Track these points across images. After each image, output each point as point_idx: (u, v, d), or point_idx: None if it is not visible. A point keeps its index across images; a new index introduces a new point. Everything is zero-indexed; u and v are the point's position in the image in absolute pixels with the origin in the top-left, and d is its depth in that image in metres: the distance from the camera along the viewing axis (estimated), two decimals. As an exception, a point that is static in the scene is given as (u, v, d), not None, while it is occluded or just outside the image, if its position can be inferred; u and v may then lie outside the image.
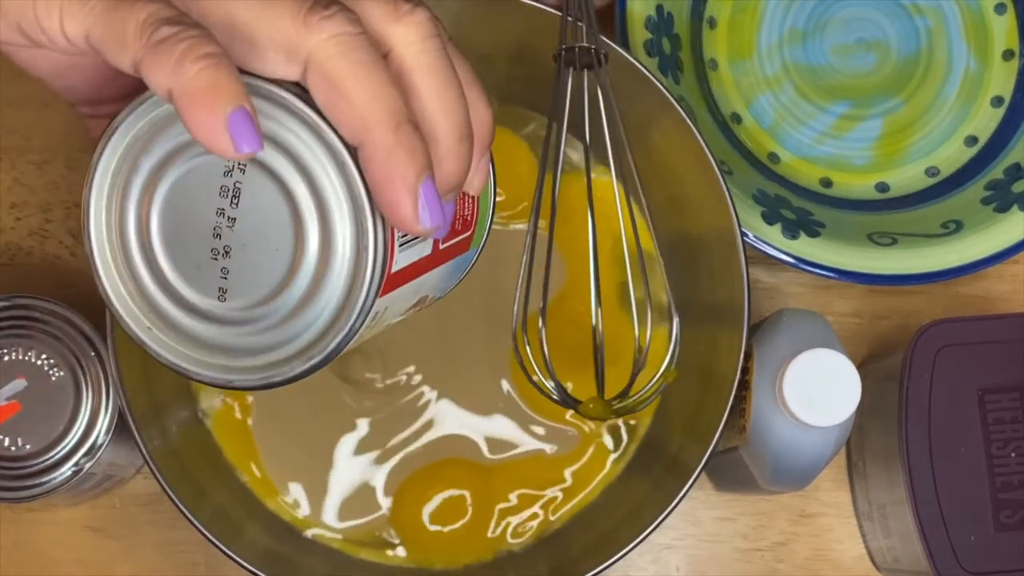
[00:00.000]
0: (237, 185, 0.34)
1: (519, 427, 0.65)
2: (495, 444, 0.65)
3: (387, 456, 0.64)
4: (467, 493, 0.64)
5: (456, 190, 0.35)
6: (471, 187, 0.37)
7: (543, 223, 0.56)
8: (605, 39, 0.59)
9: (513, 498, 0.64)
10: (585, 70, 0.56)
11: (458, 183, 0.35)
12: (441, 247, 0.38)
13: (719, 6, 0.74)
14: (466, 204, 0.39)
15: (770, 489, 0.63)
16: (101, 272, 0.35)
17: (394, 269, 0.35)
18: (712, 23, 0.73)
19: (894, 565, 0.66)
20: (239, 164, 0.34)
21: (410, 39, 0.34)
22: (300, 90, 0.33)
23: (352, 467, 0.64)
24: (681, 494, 0.57)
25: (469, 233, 0.40)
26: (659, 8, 0.70)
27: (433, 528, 0.64)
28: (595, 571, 0.58)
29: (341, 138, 0.33)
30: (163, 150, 0.34)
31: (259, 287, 0.34)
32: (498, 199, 0.65)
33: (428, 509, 0.64)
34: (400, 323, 0.40)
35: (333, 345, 0.34)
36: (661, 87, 0.60)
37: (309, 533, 0.64)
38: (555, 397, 0.55)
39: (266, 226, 0.33)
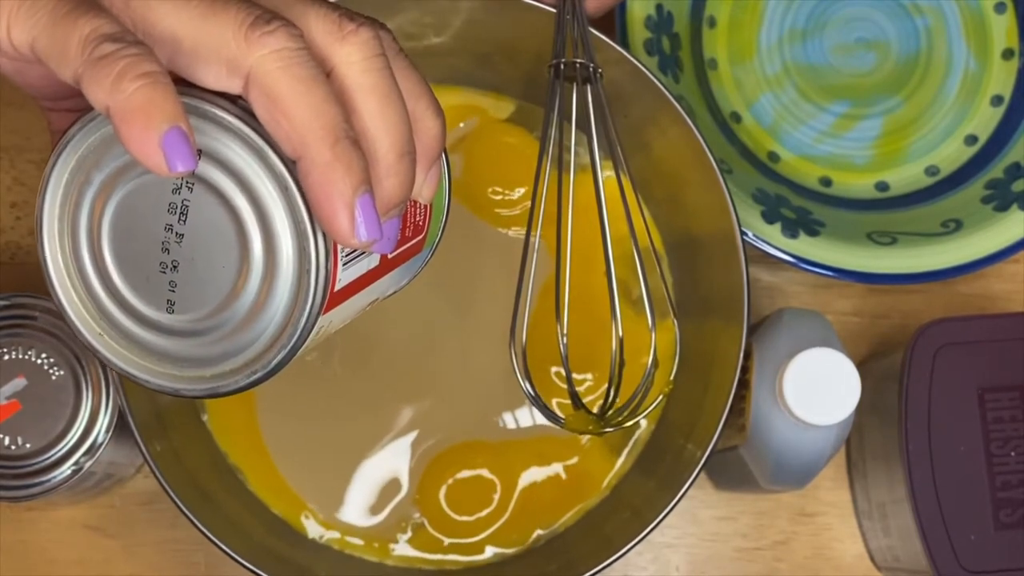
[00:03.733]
0: (185, 202, 0.34)
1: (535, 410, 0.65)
2: (513, 423, 0.65)
3: (403, 444, 0.64)
4: (486, 471, 0.64)
5: (400, 206, 0.36)
6: (420, 196, 0.38)
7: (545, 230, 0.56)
8: (605, 38, 0.59)
9: (531, 473, 0.65)
10: (578, 84, 0.56)
11: (401, 199, 0.35)
12: (390, 256, 0.39)
13: (719, 5, 0.74)
14: (418, 210, 0.40)
15: (770, 488, 0.63)
16: (54, 279, 0.36)
17: (338, 287, 0.36)
18: (712, 22, 0.73)
19: (894, 564, 0.66)
20: (187, 182, 0.34)
21: (353, 58, 0.34)
22: (244, 105, 0.34)
23: (365, 460, 0.64)
24: (681, 493, 0.57)
25: (421, 236, 0.41)
26: (659, 7, 0.70)
27: (458, 511, 0.64)
28: (595, 570, 0.58)
29: (282, 156, 0.34)
30: (114, 165, 0.35)
31: (206, 301, 0.35)
32: (496, 197, 0.66)
33: (450, 488, 0.64)
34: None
35: (275, 361, 0.35)
36: (661, 86, 0.60)
37: (310, 532, 0.64)
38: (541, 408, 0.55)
39: (212, 243, 0.34)
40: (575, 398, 0.56)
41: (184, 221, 0.34)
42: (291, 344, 0.35)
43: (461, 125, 0.67)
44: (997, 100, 0.73)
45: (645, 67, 0.59)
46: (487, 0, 0.60)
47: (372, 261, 0.38)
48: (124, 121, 0.32)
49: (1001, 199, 0.68)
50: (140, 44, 0.32)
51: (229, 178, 0.34)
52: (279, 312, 0.35)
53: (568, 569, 0.60)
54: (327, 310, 0.35)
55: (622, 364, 0.55)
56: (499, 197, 0.66)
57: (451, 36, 0.64)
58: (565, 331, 0.54)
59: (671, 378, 0.57)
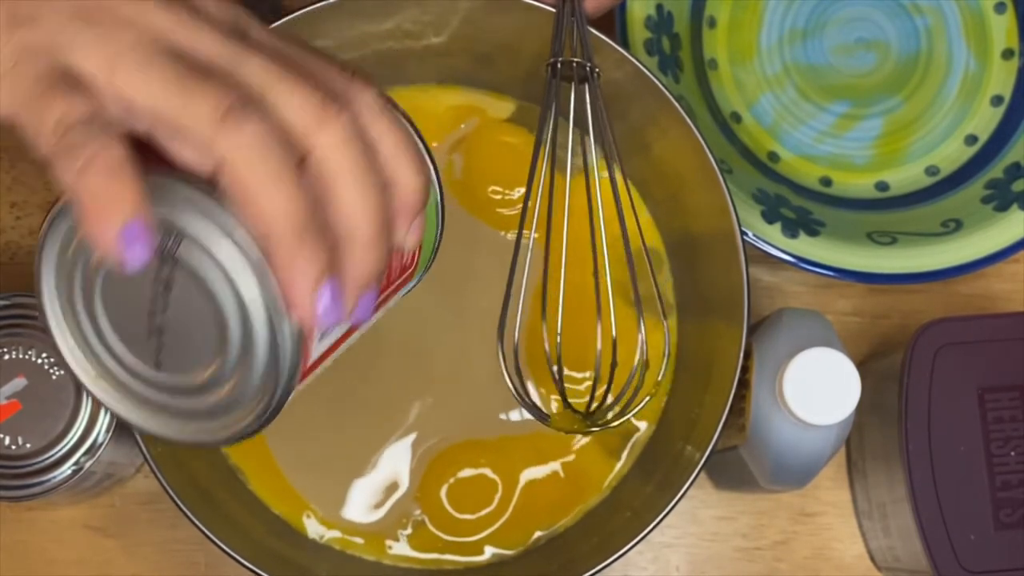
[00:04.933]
0: (169, 278, 0.36)
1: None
2: (511, 420, 0.65)
3: (405, 443, 0.65)
4: (488, 470, 0.65)
5: (378, 279, 0.37)
6: (404, 247, 0.39)
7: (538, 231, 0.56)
8: (605, 38, 0.59)
9: (531, 472, 0.65)
10: (576, 83, 0.56)
11: (376, 274, 0.36)
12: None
13: (719, 6, 0.74)
14: (404, 255, 0.41)
15: (770, 488, 0.63)
16: (53, 326, 0.38)
17: (313, 358, 0.37)
18: (712, 23, 0.73)
19: (894, 564, 0.66)
20: (172, 258, 0.35)
21: (330, 143, 0.35)
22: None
23: (366, 459, 0.64)
24: (681, 493, 0.57)
25: (409, 272, 0.42)
26: (659, 7, 0.70)
27: (459, 508, 0.64)
28: (595, 570, 0.58)
29: (254, 240, 0.35)
30: None
31: (189, 366, 0.36)
32: (495, 197, 0.66)
33: (452, 486, 0.64)
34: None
35: (251, 427, 0.37)
36: (661, 87, 0.60)
37: (311, 532, 0.64)
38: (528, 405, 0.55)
39: (194, 317, 0.35)
40: (563, 396, 0.56)
41: (168, 293, 0.36)
42: (267, 414, 0.37)
43: (462, 126, 0.67)
44: (997, 100, 0.73)
45: (645, 67, 0.59)
46: (487, 0, 0.61)
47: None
48: (86, 211, 0.33)
49: (1001, 199, 0.68)
50: (109, 131, 0.33)
51: (207, 258, 0.35)
52: (254, 385, 0.36)
53: (568, 569, 0.61)
54: (303, 379, 0.37)
55: (614, 365, 0.55)
56: (499, 197, 0.66)
57: (451, 36, 0.64)
58: (558, 330, 0.55)
59: (659, 379, 0.57)
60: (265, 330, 0.35)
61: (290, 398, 0.37)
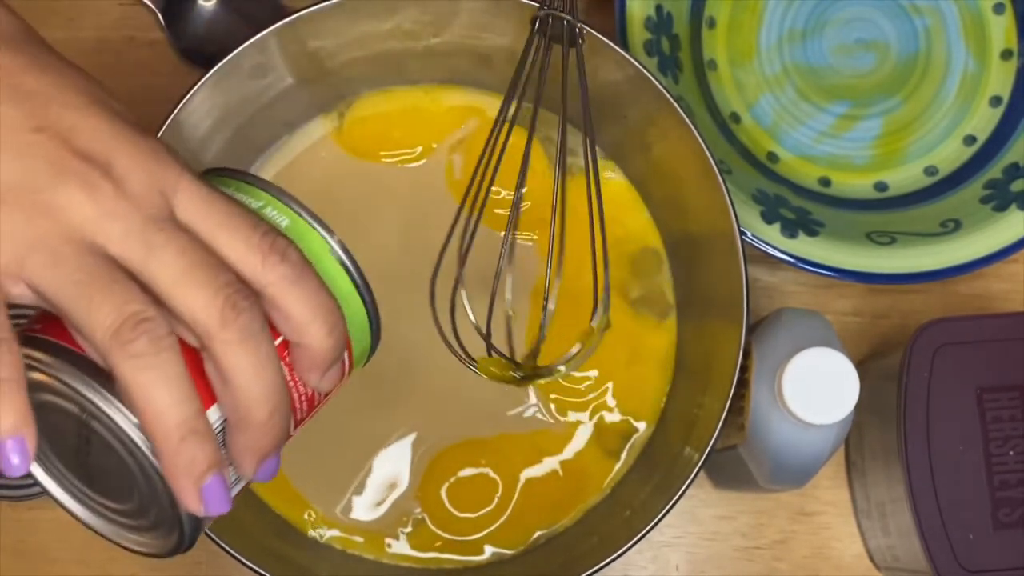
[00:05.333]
0: (87, 435, 0.39)
1: (541, 409, 0.65)
2: (510, 418, 0.65)
3: (405, 442, 0.65)
4: (488, 469, 0.65)
5: (278, 448, 0.40)
6: (320, 389, 0.43)
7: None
8: (605, 39, 0.59)
9: (531, 471, 0.65)
10: (564, 46, 0.56)
11: (273, 448, 0.40)
12: (294, 430, 0.44)
13: (719, 6, 0.74)
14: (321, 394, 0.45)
15: (769, 487, 0.63)
16: (39, 478, 0.42)
17: (222, 510, 0.40)
18: (711, 23, 0.74)
19: (893, 563, 0.67)
20: (87, 419, 0.39)
21: (228, 340, 0.37)
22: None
23: (367, 458, 0.65)
24: (680, 492, 0.57)
25: (336, 388, 0.45)
26: (659, 8, 0.70)
27: (459, 507, 0.65)
28: (594, 569, 0.58)
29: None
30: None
31: (114, 496, 0.41)
32: (495, 197, 0.66)
33: (452, 485, 0.65)
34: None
35: (174, 551, 0.41)
36: (660, 87, 0.60)
37: (311, 531, 0.64)
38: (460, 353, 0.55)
39: (110, 468, 0.40)
40: (491, 347, 0.55)
41: (88, 444, 0.39)
42: (183, 546, 0.41)
43: (462, 126, 0.67)
44: (996, 100, 0.73)
45: (645, 68, 0.60)
46: (487, 1, 0.61)
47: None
48: None
49: (1000, 199, 0.69)
50: (2, 343, 0.36)
51: (111, 434, 0.38)
52: (165, 524, 0.40)
53: (568, 568, 0.61)
54: (216, 517, 0.41)
55: (548, 313, 0.54)
56: (498, 197, 0.66)
57: (451, 36, 0.64)
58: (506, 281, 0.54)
59: (593, 326, 0.55)
60: (165, 498, 0.39)
61: (202, 532, 0.41)
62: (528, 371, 0.55)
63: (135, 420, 0.38)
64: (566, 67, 0.56)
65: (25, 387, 0.37)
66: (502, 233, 0.65)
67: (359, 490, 0.64)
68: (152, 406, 0.36)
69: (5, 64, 0.38)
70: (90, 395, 0.38)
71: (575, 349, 0.55)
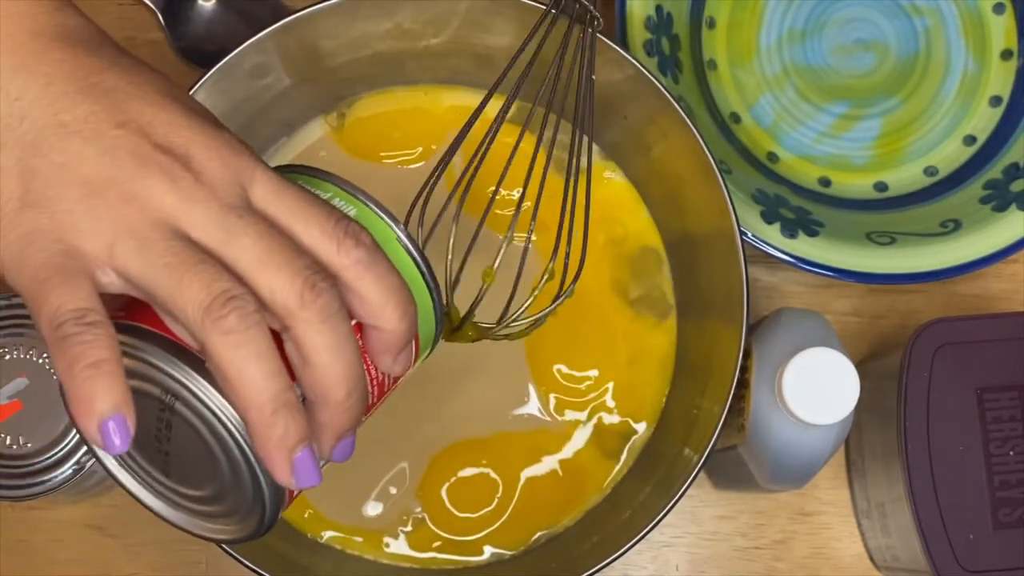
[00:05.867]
0: (169, 419, 0.40)
1: (540, 407, 0.65)
2: (509, 418, 0.65)
3: (405, 441, 0.65)
4: (488, 469, 0.65)
5: (353, 430, 0.41)
6: (393, 373, 0.44)
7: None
8: (605, 40, 0.59)
9: (531, 471, 0.65)
10: (583, 25, 0.56)
11: (349, 428, 0.41)
12: (366, 415, 0.45)
13: (718, 6, 0.74)
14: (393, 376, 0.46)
15: (769, 487, 0.63)
16: (110, 467, 0.44)
17: (299, 492, 0.42)
18: (711, 23, 0.74)
19: (893, 563, 0.67)
20: (169, 406, 0.40)
21: (306, 323, 0.39)
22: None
23: (368, 457, 0.64)
24: (680, 492, 0.57)
25: (404, 375, 0.46)
26: (658, 8, 0.70)
27: (460, 507, 0.65)
28: (594, 569, 0.58)
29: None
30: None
31: (191, 482, 0.42)
32: (495, 197, 0.66)
33: (453, 485, 0.65)
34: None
35: (251, 536, 0.42)
36: (661, 87, 0.60)
37: (311, 531, 0.64)
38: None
39: (190, 453, 0.40)
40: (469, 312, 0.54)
41: (169, 429, 0.40)
42: (261, 529, 0.41)
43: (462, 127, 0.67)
44: (996, 100, 0.73)
45: (645, 68, 0.60)
46: (487, 1, 0.61)
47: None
48: (71, 402, 0.37)
49: (1000, 199, 0.69)
50: (100, 327, 0.37)
51: (197, 415, 0.39)
52: (246, 507, 0.41)
53: (567, 568, 0.61)
54: (290, 503, 0.42)
55: (518, 276, 0.54)
56: (498, 197, 0.66)
57: (451, 36, 0.64)
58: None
59: (536, 292, 0.54)
60: (248, 478, 0.40)
61: (281, 514, 0.42)
62: (467, 328, 0.55)
63: (221, 400, 0.39)
64: (584, 47, 0.56)
65: (123, 368, 0.38)
66: (501, 235, 0.65)
67: (360, 490, 0.64)
68: (245, 380, 0.37)
69: (84, 64, 0.39)
70: (178, 374, 0.39)
71: (524, 307, 0.54)
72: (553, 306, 0.54)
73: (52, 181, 0.38)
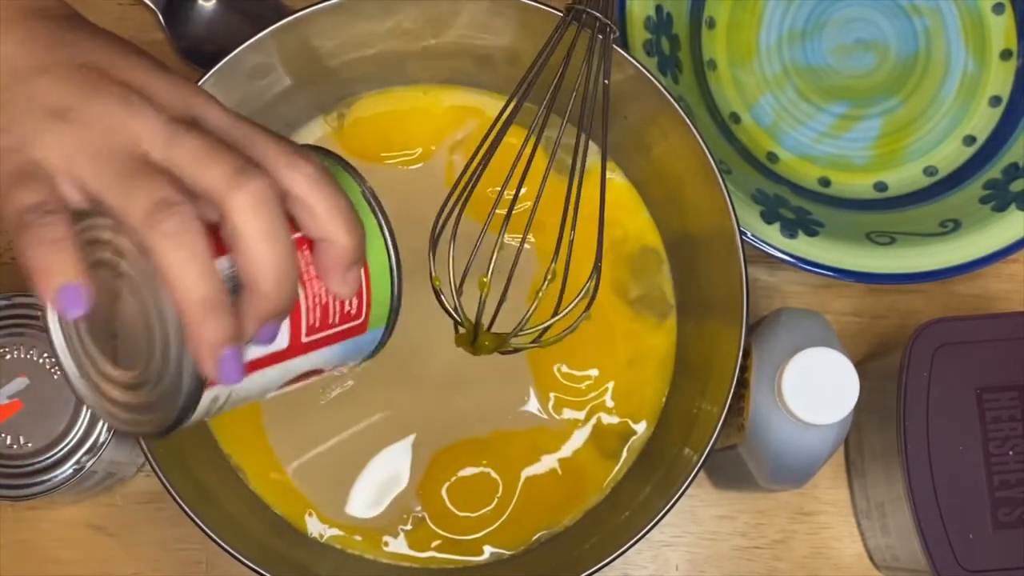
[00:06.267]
0: (118, 289, 0.43)
1: (540, 406, 0.66)
2: (518, 418, 0.66)
3: (406, 441, 0.65)
4: (489, 468, 0.65)
5: (279, 318, 0.44)
6: (340, 294, 0.46)
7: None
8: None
9: (531, 471, 0.65)
10: (593, 32, 0.56)
11: (280, 314, 0.43)
12: (307, 340, 0.47)
13: (718, 6, 0.74)
14: (347, 301, 0.48)
15: (769, 487, 0.63)
16: (52, 329, 0.46)
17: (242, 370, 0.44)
18: (711, 23, 0.74)
19: (892, 563, 0.67)
20: (121, 270, 0.43)
21: (238, 206, 0.41)
22: None
23: (368, 457, 0.65)
24: (680, 492, 0.57)
25: (358, 321, 0.48)
26: (658, 8, 0.70)
27: (460, 507, 0.65)
28: (594, 569, 0.58)
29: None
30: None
31: (133, 365, 0.44)
32: (494, 197, 0.66)
33: (453, 484, 0.65)
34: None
35: (168, 422, 0.44)
36: (661, 87, 0.60)
37: (312, 531, 0.64)
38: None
39: (132, 329, 0.43)
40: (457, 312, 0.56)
41: (118, 301, 0.44)
42: (180, 413, 0.44)
43: (462, 127, 0.67)
44: (995, 101, 0.73)
45: (645, 69, 0.60)
46: (487, 1, 0.61)
47: (280, 343, 0.46)
48: (33, 276, 0.41)
49: (999, 199, 0.69)
50: (56, 213, 0.42)
51: (145, 284, 0.42)
52: (173, 388, 0.43)
53: (567, 568, 0.61)
54: (212, 386, 0.44)
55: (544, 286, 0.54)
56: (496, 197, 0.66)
57: (451, 36, 0.64)
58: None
59: (539, 295, 0.54)
60: (175, 361, 0.43)
61: (194, 415, 0.44)
62: (487, 340, 0.55)
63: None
64: (592, 55, 0.56)
65: (79, 245, 0.42)
66: (500, 236, 0.65)
67: (360, 489, 0.65)
68: (182, 279, 0.41)
69: (55, 29, 0.45)
70: (133, 254, 0.42)
71: (529, 316, 0.55)
72: (576, 324, 0.55)
73: (20, 110, 0.43)
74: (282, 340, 0.46)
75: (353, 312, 0.48)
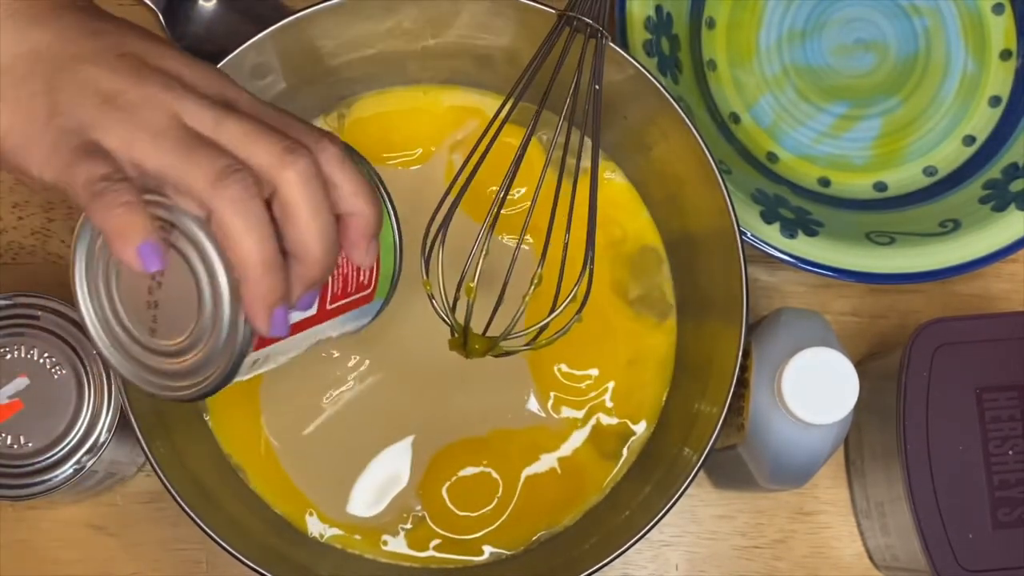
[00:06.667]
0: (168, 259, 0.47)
1: (539, 406, 0.66)
2: (517, 417, 0.66)
3: (406, 440, 0.65)
4: (490, 468, 0.65)
5: (319, 285, 0.48)
6: (362, 264, 0.50)
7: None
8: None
9: (531, 470, 0.66)
10: (585, 37, 0.56)
11: (319, 280, 0.47)
12: (330, 307, 0.52)
13: (718, 7, 0.74)
14: (362, 274, 0.53)
15: (769, 487, 0.63)
16: (82, 304, 0.49)
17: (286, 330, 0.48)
18: (711, 24, 0.74)
19: (892, 563, 0.67)
20: (174, 241, 0.46)
21: (289, 180, 0.45)
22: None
23: (368, 457, 0.65)
24: (680, 492, 0.57)
25: (368, 292, 0.54)
26: (658, 9, 0.70)
27: (460, 506, 0.65)
28: (594, 569, 0.58)
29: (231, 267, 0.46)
30: None
31: (174, 333, 0.48)
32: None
33: (454, 484, 0.65)
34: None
35: (214, 383, 0.48)
36: (661, 88, 0.60)
37: (312, 531, 0.64)
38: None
39: (179, 297, 0.47)
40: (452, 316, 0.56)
41: (162, 276, 0.47)
42: (227, 372, 0.47)
43: (462, 127, 0.67)
44: (995, 101, 0.73)
45: (645, 69, 0.60)
46: (487, 1, 0.61)
47: (307, 312, 0.51)
48: (112, 237, 0.44)
49: (999, 199, 0.69)
50: (125, 181, 0.45)
51: (197, 261, 0.46)
52: (219, 349, 0.47)
53: (567, 568, 0.61)
54: (258, 348, 0.48)
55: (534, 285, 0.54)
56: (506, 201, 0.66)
57: (451, 36, 0.64)
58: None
59: (526, 298, 0.54)
60: (229, 311, 0.46)
61: (241, 368, 0.48)
62: (479, 343, 0.56)
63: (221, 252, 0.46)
64: (582, 59, 0.56)
65: (145, 208, 0.45)
66: (506, 238, 0.65)
67: (360, 488, 0.65)
68: (245, 240, 0.45)
69: (87, 21, 0.48)
70: (187, 220, 0.45)
71: (519, 316, 0.55)
72: (568, 326, 0.55)
73: (74, 96, 0.46)
74: (314, 306, 0.51)
75: (365, 282, 0.54)
